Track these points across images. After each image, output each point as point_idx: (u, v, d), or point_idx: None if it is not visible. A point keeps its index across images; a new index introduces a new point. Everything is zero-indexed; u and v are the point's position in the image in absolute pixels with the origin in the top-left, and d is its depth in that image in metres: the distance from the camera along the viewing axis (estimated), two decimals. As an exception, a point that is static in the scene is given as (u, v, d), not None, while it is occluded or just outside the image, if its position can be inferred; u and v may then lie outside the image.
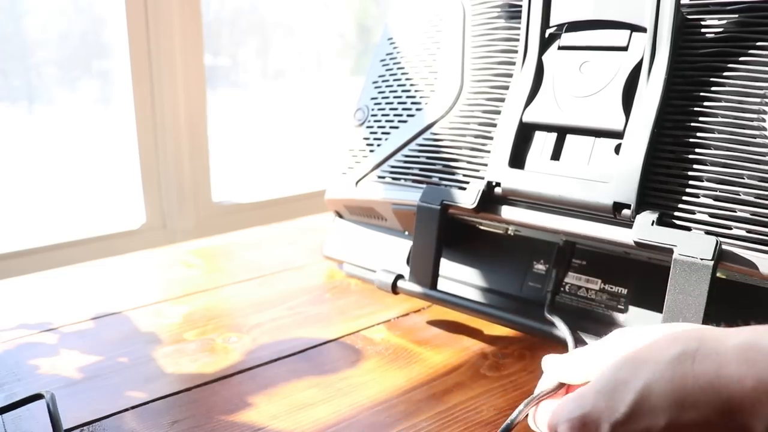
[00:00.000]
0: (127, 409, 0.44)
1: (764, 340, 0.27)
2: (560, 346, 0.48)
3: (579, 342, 0.47)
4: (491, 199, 0.52)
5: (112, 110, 1.15)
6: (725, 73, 0.44)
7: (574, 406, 0.31)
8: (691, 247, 0.42)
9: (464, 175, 0.55)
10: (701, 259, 0.41)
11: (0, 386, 0.46)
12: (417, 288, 0.56)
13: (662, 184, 0.45)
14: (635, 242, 0.44)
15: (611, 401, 0.29)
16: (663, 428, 0.28)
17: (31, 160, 1.10)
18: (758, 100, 0.43)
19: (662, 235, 0.43)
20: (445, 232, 0.55)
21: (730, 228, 0.42)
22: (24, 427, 0.41)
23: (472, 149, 0.55)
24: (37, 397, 0.40)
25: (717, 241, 0.41)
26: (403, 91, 0.62)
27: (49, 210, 1.11)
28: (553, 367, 0.36)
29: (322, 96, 1.50)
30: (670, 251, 0.42)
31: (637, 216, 0.44)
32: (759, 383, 0.26)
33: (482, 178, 0.53)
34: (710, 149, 0.44)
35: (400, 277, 0.57)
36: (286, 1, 1.40)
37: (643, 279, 0.51)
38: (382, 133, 0.62)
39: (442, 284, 0.60)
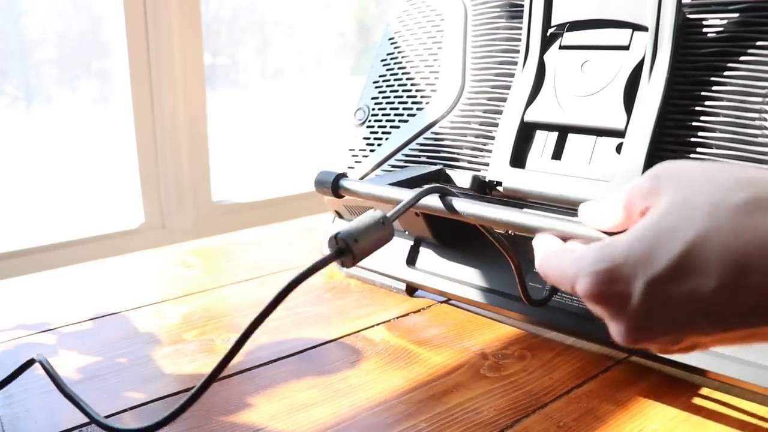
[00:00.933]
0: (126, 410, 0.43)
1: None
2: (558, 344, 0.48)
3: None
4: (490, 198, 0.52)
5: (110, 110, 1.15)
6: (727, 73, 0.44)
7: (602, 255, 0.25)
8: None
9: (464, 175, 0.54)
10: None
11: (-2, 387, 0.46)
12: (368, 186, 0.47)
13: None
14: None
15: (651, 252, 0.23)
16: (713, 291, 0.22)
17: (29, 160, 1.10)
18: (760, 99, 0.43)
19: None
20: (435, 229, 0.53)
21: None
22: (23, 427, 0.41)
23: (474, 149, 0.55)
24: (30, 363, 0.42)
25: None
26: (404, 90, 0.62)
27: (48, 210, 1.11)
28: (588, 211, 0.30)
29: (321, 95, 1.50)
30: None
31: None
32: None
33: (484, 178, 0.52)
34: (712, 148, 0.44)
35: (343, 176, 0.48)
36: (285, 1, 1.40)
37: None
38: (383, 132, 0.62)
39: (442, 284, 0.60)
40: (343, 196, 0.47)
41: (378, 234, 0.36)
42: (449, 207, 0.42)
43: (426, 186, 0.41)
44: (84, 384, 0.47)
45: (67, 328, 0.56)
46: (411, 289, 0.64)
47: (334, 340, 0.54)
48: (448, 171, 0.54)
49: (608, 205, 0.29)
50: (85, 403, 0.39)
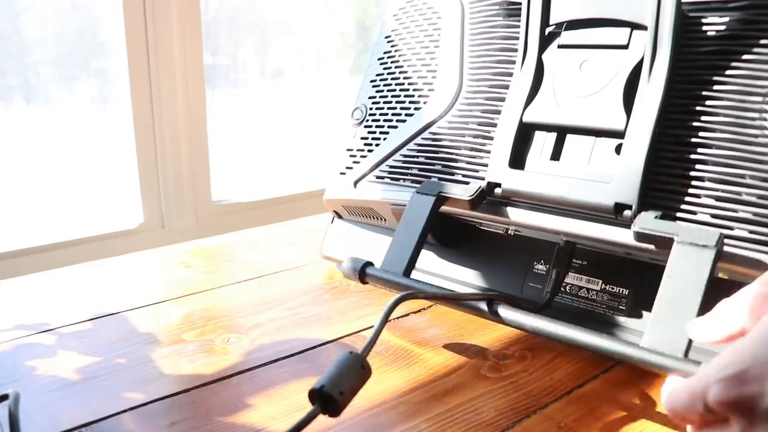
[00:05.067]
0: (125, 411, 0.43)
1: None
2: (558, 345, 0.48)
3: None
4: (491, 201, 0.51)
5: (110, 109, 1.15)
6: (727, 72, 0.44)
7: (728, 361, 0.25)
8: (694, 235, 0.41)
9: (463, 176, 0.54)
10: (703, 245, 0.40)
11: (-3, 388, 0.46)
12: (387, 275, 0.51)
13: (664, 185, 0.45)
14: (635, 233, 0.43)
15: None
16: None
17: (28, 160, 1.10)
18: (760, 99, 0.42)
19: (664, 226, 0.42)
20: (435, 229, 0.54)
21: (731, 228, 0.42)
22: (23, 427, 0.41)
23: (472, 149, 0.55)
24: (2, 398, 0.41)
25: (720, 234, 0.40)
26: (401, 90, 0.62)
27: (47, 210, 1.11)
28: (700, 330, 0.30)
29: (321, 95, 1.50)
30: (671, 241, 0.41)
31: (639, 214, 0.44)
32: None
33: (482, 179, 0.52)
34: (712, 149, 0.43)
35: (369, 264, 0.52)
36: (285, 1, 1.40)
37: (645, 280, 0.51)
38: (381, 132, 0.62)
39: (442, 285, 0.60)
40: (368, 283, 0.52)
41: (359, 379, 0.37)
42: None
43: (394, 299, 0.44)
44: (83, 384, 0.47)
45: (66, 329, 0.56)
46: (411, 290, 0.64)
47: (334, 340, 0.54)
48: (447, 188, 0.53)
49: (731, 315, 0.30)
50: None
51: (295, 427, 0.34)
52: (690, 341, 0.38)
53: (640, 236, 0.43)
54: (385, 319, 0.41)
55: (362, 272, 0.52)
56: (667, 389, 0.32)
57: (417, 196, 0.54)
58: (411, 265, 0.52)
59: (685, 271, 0.40)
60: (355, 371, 0.37)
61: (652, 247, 0.44)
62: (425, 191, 0.53)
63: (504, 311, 0.46)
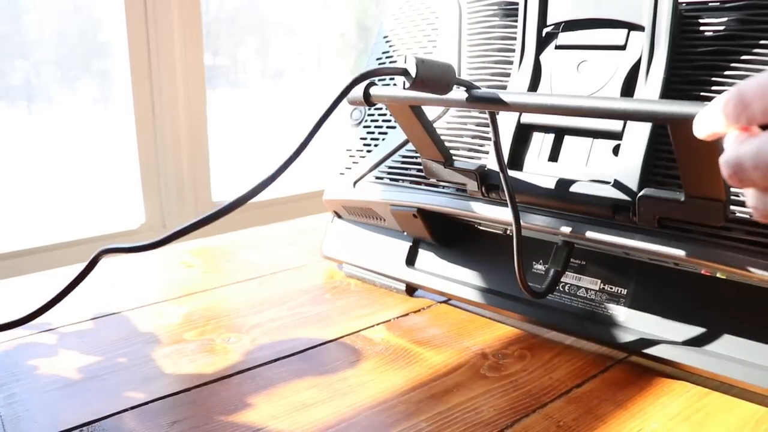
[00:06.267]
0: (126, 410, 0.43)
1: None
2: (557, 344, 0.48)
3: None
4: (489, 199, 0.52)
5: (111, 110, 1.15)
6: (724, 72, 0.44)
7: None
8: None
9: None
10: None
11: (-1, 387, 0.46)
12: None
13: (661, 186, 0.45)
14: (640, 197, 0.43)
15: None
16: None
17: (30, 160, 1.10)
18: (757, 99, 0.42)
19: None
20: (435, 229, 0.54)
21: (729, 230, 0.42)
22: (24, 427, 0.41)
23: (470, 149, 0.55)
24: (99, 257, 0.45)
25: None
26: (400, 90, 0.62)
27: (48, 210, 1.11)
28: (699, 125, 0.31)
29: (321, 95, 1.50)
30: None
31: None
32: None
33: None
34: (709, 149, 0.44)
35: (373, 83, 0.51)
36: (285, 1, 1.40)
37: (643, 279, 0.51)
38: (380, 133, 0.62)
39: (442, 284, 0.60)
40: (375, 104, 0.51)
41: (441, 71, 0.42)
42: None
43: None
44: (84, 384, 0.47)
45: (67, 328, 0.56)
46: (411, 289, 0.64)
47: (334, 340, 0.54)
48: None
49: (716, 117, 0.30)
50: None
51: (378, 69, 0.43)
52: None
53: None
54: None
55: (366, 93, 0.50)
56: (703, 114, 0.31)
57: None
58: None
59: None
60: (443, 67, 0.43)
61: (651, 247, 0.44)
62: None
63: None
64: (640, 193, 0.43)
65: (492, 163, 0.51)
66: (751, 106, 0.27)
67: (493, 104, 0.44)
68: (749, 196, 0.30)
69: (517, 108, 0.44)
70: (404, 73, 0.42)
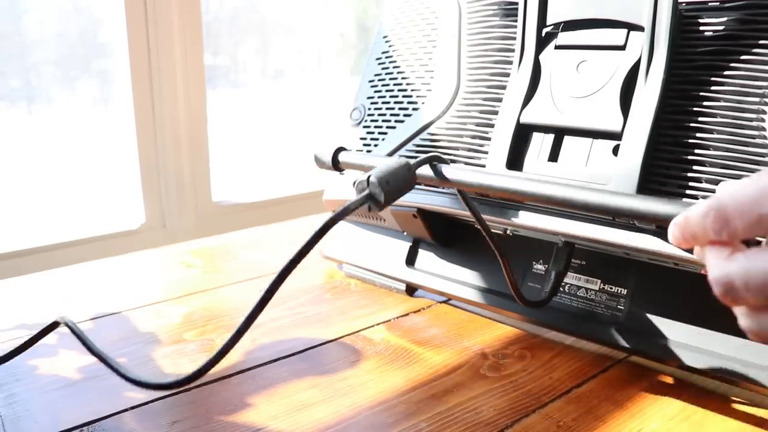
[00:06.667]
0: (126, 410, 0.44)
1: None
2: (557, 344, 0.49)
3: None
4: (489, 200, 0.52)
5: (111, 110, 1.15)
6: (724, 72, 0.44)
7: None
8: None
9: (463, 175, 0.54)
10: None
11: (-1, 387, 0.46)
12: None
13: (661, 186, 0.45)
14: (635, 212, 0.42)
15: None
16: None
17: (30, 160, 1.10)
18: (757, 99, 0.43)
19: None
20: (435, 229, 0.54)
21: (729, 228, 0.42)
22: (24, 427, 0.41)
23: (470, 150, 0.55)
24: (54, 325, 0.44)
25: None
26: (399, 90, 0.62)
27: (49, 210, 1.11)
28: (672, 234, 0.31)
29: (321, 95, 1.51)
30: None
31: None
32: None
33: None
34: (709, 150, 0.44)
35: (342, 149, 0.52)
36: (285, 1, 1.40)
37: (643, 279, 0.51)
38: (379, 133, 0.62)
39: (442, 285, 0.60)
40: (343, 170, 0.52)
41: (404, 180, 0.39)
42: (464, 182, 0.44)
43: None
44: (84, 384, 0.47)
45: (67, 328, 0.56)
46: (411, 289, 0.64)
47: (334, 340, 0.54)
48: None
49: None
50: (112, 359, 0.40)
51: (346, 208, 0.36)
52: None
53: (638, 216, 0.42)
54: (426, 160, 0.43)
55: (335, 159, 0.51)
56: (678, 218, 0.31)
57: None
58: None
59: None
60: (402, 171, 0.39)
61: (650, 247, 0.44)
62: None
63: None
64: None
65: (492, 163, 0.51)
66: (732, 222, 0.27)
67: (460, 185, 0.45)
68: (741, 315, 0.29)
69: (483, 189, 0.44)
70: (370, 198, 0.39)
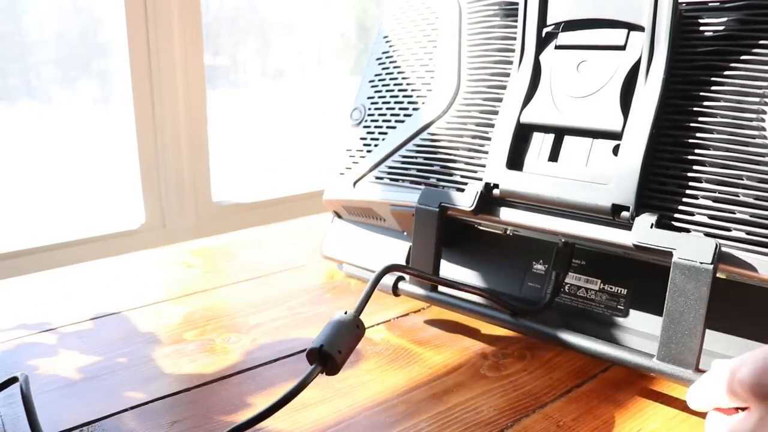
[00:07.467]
0: (126, 410, 0.44)
1: None
2: (559, 346, 0.49)
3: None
4: (489, 201, 0.52)
5: (111, 110, 1.15)
6: (724, 72, 0.44)
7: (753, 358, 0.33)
8: (691, 250, 0.41)
9: (462, 177, 0.54)
10: (701, 263, 0.41)
11: (-1, 387, 0.46)
12: (419, 290, 0.56)
13: (661, 186, 0.45)
14: (634, 245, 0.44)
15: None
16: None
17: (30, 160, 1.10)
18: (757, 99, 0.43)
19: (661, 238, 0.43)
20: (444, 234, 0.54)
21: (729, 230, 0.42)
22: (24, 427, 0.41)
23: (470, 150, 0.55)
24: (12, 380, 0.42)
25: (717, 245, 0.41)
26: (399, 90, 0.62)
27: (48, 210, 1.11)
28: (693, 400, 0.39)
29: (321, 95, 1.50)
30: (670, 254, 0.42)
31: (636, 218, 0.44)
32: None
33: (480, 180, 0.53)
34: (709, 150, 0.44)
35: (401, 279, 0.57)
36: (285, 1, 1.40)
37: (643, 279, 0.51)
38: (380, 133, 0.62)
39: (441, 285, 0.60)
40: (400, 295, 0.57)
41: (355, 337, 0.39)
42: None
43: (383, 266, 0.45)
44: (84, 384, 0.47)
45: (67, 328, 0.56)
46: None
47: (334, 340, 0.54)
48: (447, 198, 0.54)
49: (714, 393, 0.37)
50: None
51: (296, 387, 0.36)
52: (699, 356, 0.42)
53: (640, 248, 0.44)
54: (374, 285, 0.43)
55: (395, 287, 0.57)
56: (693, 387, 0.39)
57: (421, 209, 0.54)
58: (436, 273, 0.56)
59: (686, 291, 0.42)
60: (351, 331, 0.39)
61: (651, 247, 0.44)
62: (426, 203, 0.54)
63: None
64: (633, 241, 0.44)
65: (492, 164, 0.51)
66: (739, 398, 0.34)
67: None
68: None
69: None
70: (324, 367, 0.38)
